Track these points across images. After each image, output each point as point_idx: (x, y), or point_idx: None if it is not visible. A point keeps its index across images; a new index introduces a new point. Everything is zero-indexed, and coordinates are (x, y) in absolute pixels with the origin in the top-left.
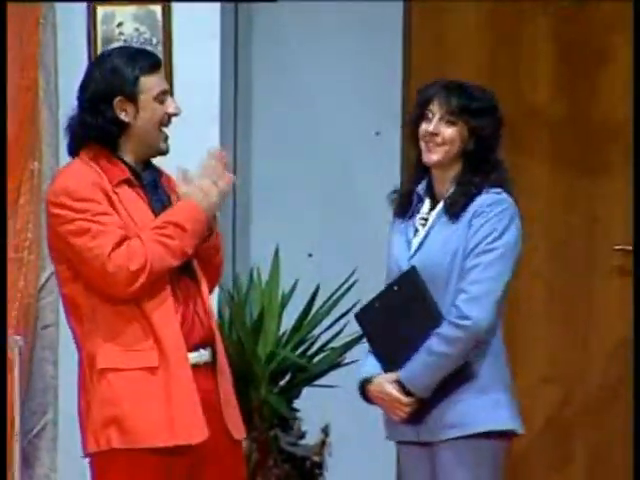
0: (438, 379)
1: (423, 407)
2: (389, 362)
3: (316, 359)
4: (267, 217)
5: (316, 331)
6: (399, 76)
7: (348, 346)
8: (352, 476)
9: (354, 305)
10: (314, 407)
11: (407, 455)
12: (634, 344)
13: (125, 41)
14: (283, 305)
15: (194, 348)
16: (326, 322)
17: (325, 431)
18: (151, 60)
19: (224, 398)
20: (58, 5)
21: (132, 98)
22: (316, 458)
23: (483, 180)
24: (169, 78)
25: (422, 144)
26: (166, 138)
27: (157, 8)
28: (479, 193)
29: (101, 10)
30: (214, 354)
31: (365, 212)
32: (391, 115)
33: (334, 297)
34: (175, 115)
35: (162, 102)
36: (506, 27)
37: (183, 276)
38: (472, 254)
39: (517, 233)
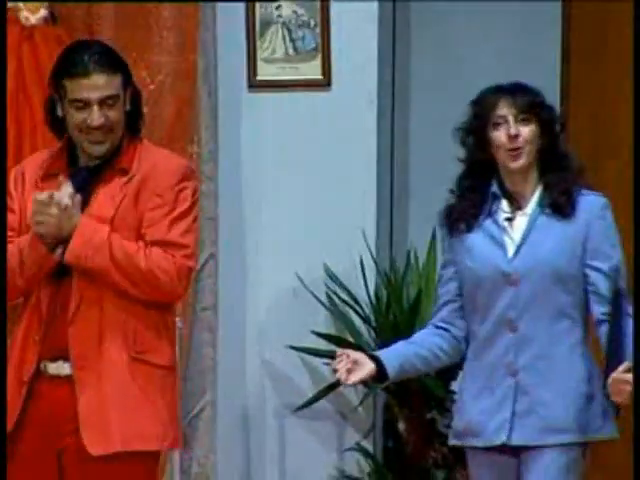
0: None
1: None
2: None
3: None
4: (425, 199)
5: None
6: (557, 63)
7: None
8: None
9: None
10: None
11: (491, 463)
12: (634, 344)
13: (283, 23)
14: None
15: (54, 359)
16: None
17: None
18: (78, 64)
19: (84, 412)
20: None
21: (59, 98)
22: None
23: (572, 177)
24: (327, 61)
25: (501, 152)
26: (96, 142)
27: None
28: (578, 191)
29: None
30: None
31: None
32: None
33: None
34: (90, 127)
35: (81, 109)
36: None
37: (63, 287)
38: (601, 254)
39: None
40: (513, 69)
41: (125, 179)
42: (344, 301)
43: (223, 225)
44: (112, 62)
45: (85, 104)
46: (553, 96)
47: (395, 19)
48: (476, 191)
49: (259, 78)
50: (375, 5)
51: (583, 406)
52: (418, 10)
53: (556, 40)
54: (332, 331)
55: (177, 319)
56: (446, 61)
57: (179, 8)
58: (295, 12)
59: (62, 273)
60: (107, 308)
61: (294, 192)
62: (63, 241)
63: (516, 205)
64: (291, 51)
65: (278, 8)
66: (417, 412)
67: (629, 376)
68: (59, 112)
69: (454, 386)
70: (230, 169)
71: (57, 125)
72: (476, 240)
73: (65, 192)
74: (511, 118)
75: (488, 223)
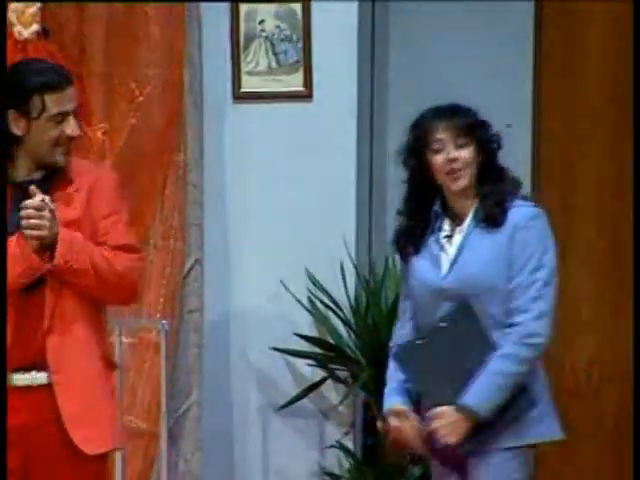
0: (507, 398)
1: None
2: (433, 397)
3: None
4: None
5: None
6: (530, 65)
7: None
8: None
9: None
10: None
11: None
12: (634, 344)
13: (267, 37)
14: None
15: (26, 369)
16: None
17: None
18: (55, 78)
19: (69, 417)
20: (202, 2)
21: (24, 113)
22: None
23: (506, 189)
24: (308, 73)
25: (441, 175)
26: (67, 153)
27: (297, 6)
28: (511, 202)
29: (244, 7)
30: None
31: None
32: (522, 107)
33: None
34: (72, 138)
35: (60, 122)
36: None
37: (33, 297)
38: (525, 270)
39: (554, 246)
40: (486, 68)
41: (73, 189)
42: (325, 304)
43: (208, 231)
44: (70, 74)
45: (64, 116)
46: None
47: (374, 33)
48: (421, 211)
49: (243, 90)
50: (355, 19)
51: (523, 412)
52: (396, 23)
53: (530, 40)
54: (314, 333)
55: (163, 321)
56: (425, 72)
57: (166, 23)
58: (278, 27)
59: (31, 284)
60: (80, 316)
61: (277, 199)
62: (48, 247)
63: (457, 222)
64: (274, 64)
65: (261, 23)
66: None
67: (436, 423)
68: (16, 130)
69: None
70: (215, 177)
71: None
72: (420, 260)
73: (45, 199)
74: (449, 142)
75: (431, 242)
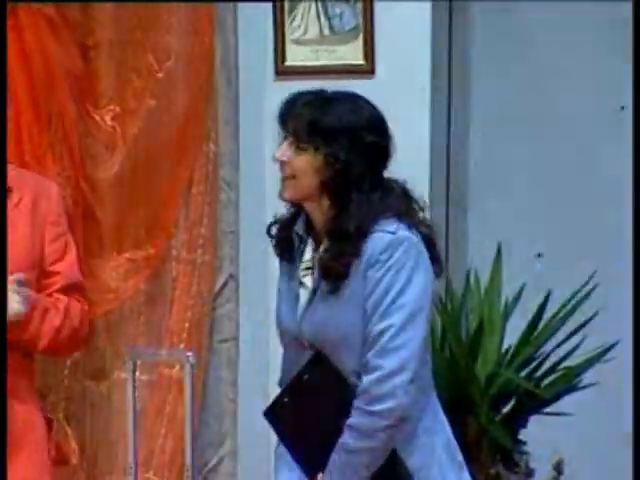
0: (368, 474)
1: None
2: (310, 467)
3: (546, 381)
4: (486, 208)
5: (546, 347)
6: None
7: (586, 365)
8: None
9: (593, 315)
10: (544, 440)
11: None
12: (634, 344)
13: None
14: (506, 315)
15: None
16: (558, 337)
17: (558, 469)
18: None
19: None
20: None
21: None
22: None
23: (362, 222)
24: (370, 42)
25: None
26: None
27: None
28: (373, 226)
29: None
30: None
31: (605, 202)
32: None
33: (568, 306)
34: None
35: None
36: None
37: None
38: (375, 316)
39: (423, 280)
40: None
41: (14, 200)
42: None
43: (245, 240)
44: None
45: None
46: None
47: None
48: (291, 229)
49: (288, 63)
50: None
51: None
52: None
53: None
54: None
55: (188, 353)
56: (514, 45)
57: None
58: None
59: None
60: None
61: None
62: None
63: (319, 247)
64: (327, 31)
65: None
66: (478, 467)
67: None
68: None
69: (523, 435)
70: (254, 173)
71: None
72: (282, 289)
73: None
74: (287, 139)
75: (294, 271)
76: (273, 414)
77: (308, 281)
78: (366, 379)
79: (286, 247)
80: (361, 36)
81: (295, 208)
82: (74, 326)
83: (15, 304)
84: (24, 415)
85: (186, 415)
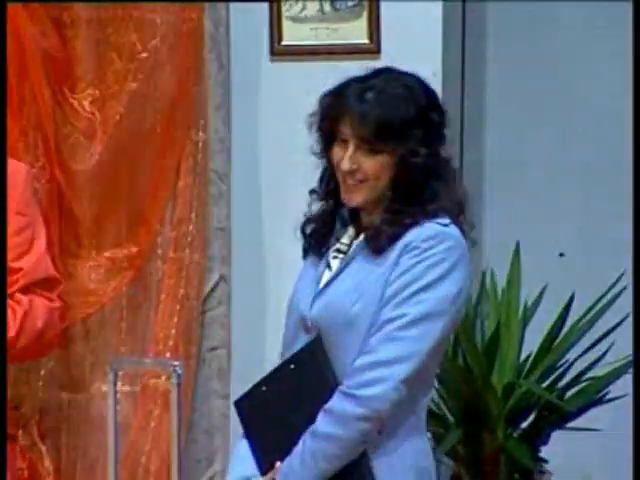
0: (323, 474)
1: None
2: (272, 461)
3: (569, 393)
4: (503, 203)
5: (569, 356)
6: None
7: (612, 376)
8: None
9: (621, 321)
10: (567, 458)
11: None
12: (634, 343)
13: None
14: (525, 321)
15: None
16: (583, 343)
17: None
18: None
19: None
20: None
21: None
22: None
23: (421, 209)
24: (375, 20)
25: (339, 175)
26: None
27: None
28: (415, 223)
29: None
30: None
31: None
32: None
33: (594, 310)
34: None
35: None
36: None
37: None
38: (391, 302)
39: (460, 284)
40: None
41: None
42: None
43: (237, 238)
44: None
45: None
46: None
47: None
48: (334, 197)
49: (285, 43)
50: None
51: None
52: None
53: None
54: None
55: (175, 362)
56: (532, 27)
57: None
58: None
59: None
60: None
61: None
62: None
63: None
64: (327, 7)
65: None
66: None
67: None
68: None
69: (544, 452)
70: (247, 164)
71: None
72: (308, 271)
73: None
74: (352, 144)
75: (323, 254)
76: (245, 405)
77: (335, 263)
78: (359, 361)
79: (319, 241)
80: (365, 13)
81: (328, 203)
82: (37, 329)
83: None
84: None
85: (172, 431)
